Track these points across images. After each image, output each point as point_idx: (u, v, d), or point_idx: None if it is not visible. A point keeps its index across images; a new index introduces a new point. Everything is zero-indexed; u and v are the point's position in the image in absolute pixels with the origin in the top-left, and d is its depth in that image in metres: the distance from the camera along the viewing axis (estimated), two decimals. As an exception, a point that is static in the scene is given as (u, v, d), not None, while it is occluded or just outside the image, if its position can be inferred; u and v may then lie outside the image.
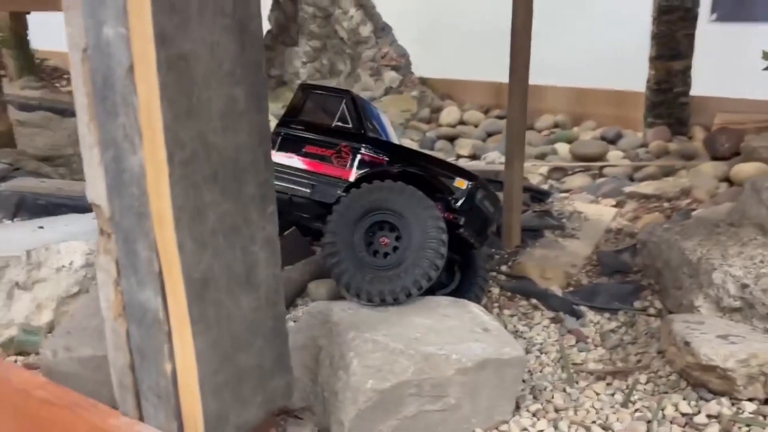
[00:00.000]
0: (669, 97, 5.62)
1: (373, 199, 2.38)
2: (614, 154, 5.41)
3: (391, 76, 7.42)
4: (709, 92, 5.68)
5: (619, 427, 2.06)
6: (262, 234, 1.68)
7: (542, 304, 2.88)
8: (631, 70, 5.80)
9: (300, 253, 3.06)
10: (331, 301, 2.21)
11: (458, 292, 2.69)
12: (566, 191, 4.64)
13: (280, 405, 1.88)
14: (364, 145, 2.72)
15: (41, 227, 3.04)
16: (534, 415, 2.14)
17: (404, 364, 1.89)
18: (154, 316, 1.54)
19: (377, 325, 2.03)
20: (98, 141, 1.49)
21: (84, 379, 2.06)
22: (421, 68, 7.50)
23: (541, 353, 2.54)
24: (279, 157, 2.80)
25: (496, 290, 3.05)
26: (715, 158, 4.92)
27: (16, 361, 2.51)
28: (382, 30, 7.53)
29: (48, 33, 7.24)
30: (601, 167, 5.06)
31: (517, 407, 2.17)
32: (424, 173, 2.60)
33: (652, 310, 2.82)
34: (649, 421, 2.07)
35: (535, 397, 2.24)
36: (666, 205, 4.24)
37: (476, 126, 6.56)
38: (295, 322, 2.49)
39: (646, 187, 4.46)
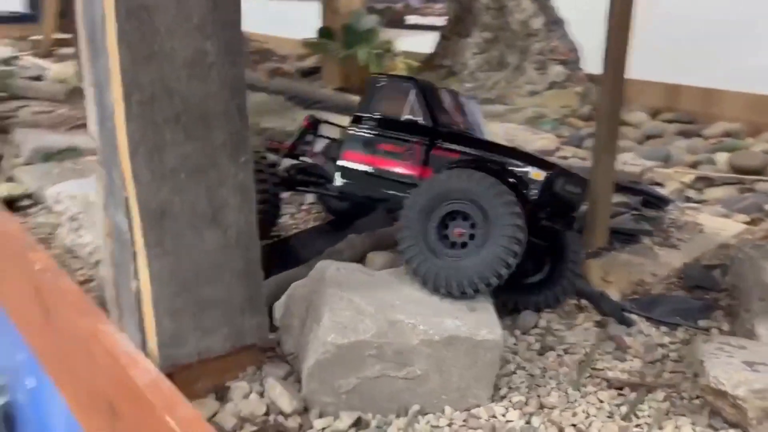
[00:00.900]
0: None
1: (444, 188, 2.32)
2: (776, 170, 4.73)
3: (557, 71, 7.16)
4: None
5: (594, 433, 1.92)
6: (233, 180, 1.84)
7: (592, 307, 2.69)
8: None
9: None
10: (334, 261, 2.30)
11: (548, 282, 2.62)
12: (699, 202, 4.20)
13: (251, 342, 2.04)
14: (437, 141, 2.70)
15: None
16: (513, 406, 2.06)
17: (368, 324, 1.94)
18: (125, 237, 1.77)
19: (360, 287, 2.09)
20: (91, 81, 1.75)
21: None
22: (592, 65, 7.14)
23: (566, 353, 2.41)
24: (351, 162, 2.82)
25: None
26: None
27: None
28: (555, 23, 7.27)
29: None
30: (754, 181, 4.48)
31: (502, 396, 2.10)
32: (498, 167, 2.55)
33: (715, 331, 2.52)
34: (635, 437, 1.90)
35: (528, 391, 2.14)
36: (810, 229, 3.67)
37: (637, 127, 6.12)
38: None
39: (793, 208, 3.89)
